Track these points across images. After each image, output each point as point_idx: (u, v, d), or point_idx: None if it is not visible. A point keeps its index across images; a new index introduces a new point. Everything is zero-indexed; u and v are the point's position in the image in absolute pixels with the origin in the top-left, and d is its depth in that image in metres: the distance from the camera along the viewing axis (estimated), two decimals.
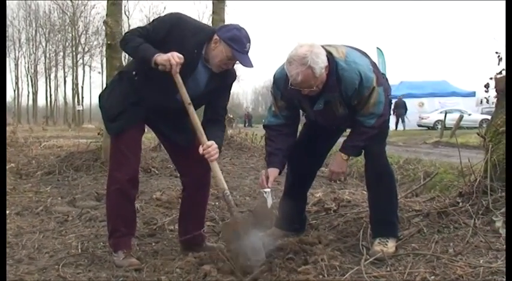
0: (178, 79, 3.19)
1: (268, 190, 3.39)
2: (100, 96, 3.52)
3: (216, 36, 3.25)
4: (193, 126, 3.30)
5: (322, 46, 3.30)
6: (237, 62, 3.32)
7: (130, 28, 3.31)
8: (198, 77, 3.35)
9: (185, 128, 3.46)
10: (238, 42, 3.21)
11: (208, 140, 3.28)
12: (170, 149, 3.73)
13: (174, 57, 3.11)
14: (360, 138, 3.46)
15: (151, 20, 3.32)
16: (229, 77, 3.49)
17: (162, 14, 3.44)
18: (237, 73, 3.60)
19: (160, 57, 3.12)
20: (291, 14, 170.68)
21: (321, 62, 3.17)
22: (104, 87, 3.56)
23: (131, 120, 3.38)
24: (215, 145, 3.27)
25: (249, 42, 3.26)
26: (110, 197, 3.49)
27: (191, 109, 3.25)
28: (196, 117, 3.30)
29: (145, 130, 3.60)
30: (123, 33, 6.44)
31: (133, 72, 3.35)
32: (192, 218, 3.70)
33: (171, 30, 3.24)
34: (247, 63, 3.27)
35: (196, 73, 3.33)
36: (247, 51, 3.26)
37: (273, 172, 3.48)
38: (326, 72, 3.23)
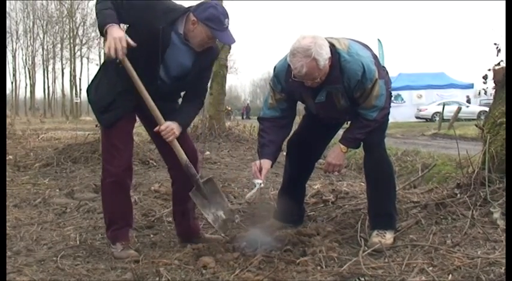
0: (126, 64, 3.16)
1: (260, 181, 3.38)
2: (88, 90, 3.49)
3: (193, 17, 3.20)
4: (147, 106, 3.29)
5: (325, 38, 3.29)
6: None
7: None
8: (180, 56, 3.31)
9: (172, 113, 3.43)
10: (216, 21, 3.17)
11: (178, 111, 3.44)
12: (159, 140, 3.69)
13: (116, 43, 3.05)
14: (361, 131, 3.46)
15: None
16: (212, 54, 3.46)
17: None
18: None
19: (109, 33, 3.06)
20: (289, 6, 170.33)
21: (324, 54, 3.16)
22: (90, 81, 3.53)
23: (123, 110, 3.35)
24: (171, 126, 3.31)
25: (227, 17, 3.22)
26: (106, 190, 3.48)
27: (143, 90, 3.24)
28: (148, 96, 3.25)
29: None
30: None
31: (117, 60, 3.30)
32: (185, 211, 3.70)
33: (142, 10, 3.19)
34: (228, 40, 3.28)
35: (176, 51, 3.29)
36: (227, 27, 3.22)
37: (266, 163, 3.45)
38: (329, 64, 3.23)
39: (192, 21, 3.21)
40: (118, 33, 3.07)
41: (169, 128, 3.30)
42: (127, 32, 3.20)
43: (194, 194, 3.44)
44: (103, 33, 3.13)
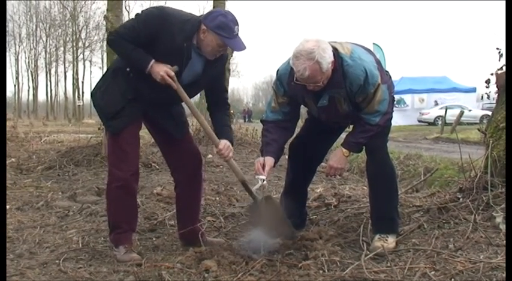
0: (180, 90, 3.28)
1: (264, 177, 3.39)
2: (93, 94, 3.50)
3: (203, 26, 3.23)
4: (203, 128, 3.44)
5: (328, 42, 3.29)
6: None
7: None
8: (194, 66, 3.35)
9: (180, 120, 3.52)
10: (226, 29, 3.19)
11: (218, 128, 3.47)
12: (163, 143, 3.73)
13: (170, 74, 3.21)
14: (363, 135, 3.45)
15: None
16: (221, 60, 3.48)
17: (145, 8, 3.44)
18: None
19: (154, 71, 3.22)
20: (291, 10, 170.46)
21: (327, 57, 3.16)
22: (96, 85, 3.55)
23: (131, 117, 3.38)
24: (227, 144, 3.38)
25: (237, 25, 3.24)
26: (111, 194, 3.49)
27: (198, 114, 3.40)
28: (203, 119, 3.42)
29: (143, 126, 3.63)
30: None
31: (128, 69, 3.35)
32: (188, 214, 3.71)
33: (159, 28, 3.21)
34: (238, 47, 3.29)
35: (192, 63, 3.33)
36: (237, 35, 3.25)
37: (269, 160, 3.45)
38: (332, 68, 3.23)
39: (203, 30, 3.23)
40: (161, 68, 3.22)
41: (227, 145, 3.38)
42: (149, 49, 3.25)
43: (251, 209, 3.58)
44: (146, 73, 3.25)
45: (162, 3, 44.91)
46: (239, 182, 3.51)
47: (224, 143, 3.38)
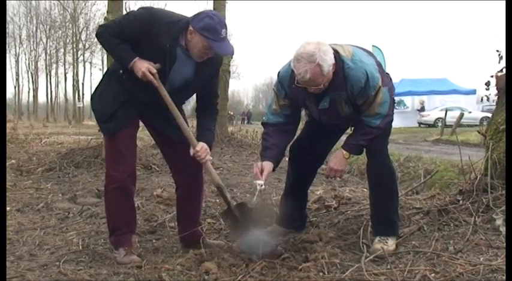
0: (161, 88, 3.26)
1: (262, 182, 3.38)
2: (92, 98, 3.52)
3: (190, 27, 3.21)
4: (181, 129, 3.38)
5: (329, 44, 3.29)
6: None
7: None
8: (183, 68, 3.33)
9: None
10: (211, 31, 3.15)
11: (199, 130, 3.47)
12: (163, 145, 3.72)
13: (152, 71, 3.19)
14: (364, 137, 3.44)
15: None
16: (215, 63, 3.46)
17: (135, 8, 3.43)
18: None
19: (136, 67, 3.20)
20: (291, 12, 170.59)
21: (329, 60, 3.16)
22: (94, 89, 3.56)
23: (125, 120, 3.38)
24: (205, 147, 3.36)
25: (224, 28, 3.19)
26: (109, 196, 3.49)
27: (176, 113, 3.34)
28: (182, 119, 3.36)
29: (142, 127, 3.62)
30: None
31: (120, 71, 3.34)
32: (189, 216, 3.71)
33: (144, 29, 3.20)
34: (224, 51, 3.26)
35: (180, 65, 3.31)
36: (224, 38, 3.20)
37: (268, 165, 3.44)
38: (333, 71, 3.23)
39: (190, 31, 3.22)
40: (143, 64, 3.20)
41: (204, 148, 3.35)
42: (135, 49, 3.25)
43: (224, 215, 3.57)
44: (129, 68, 3.24)
45: (162, 4, 45.05)
46: (223, 186, 3.52)
47: (202, 145, 3.35)
